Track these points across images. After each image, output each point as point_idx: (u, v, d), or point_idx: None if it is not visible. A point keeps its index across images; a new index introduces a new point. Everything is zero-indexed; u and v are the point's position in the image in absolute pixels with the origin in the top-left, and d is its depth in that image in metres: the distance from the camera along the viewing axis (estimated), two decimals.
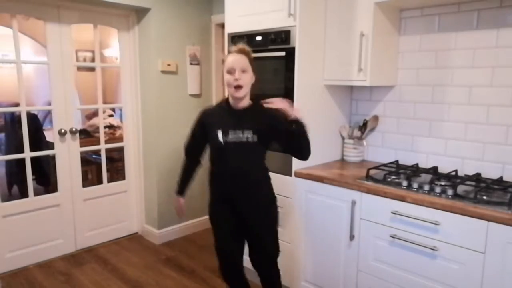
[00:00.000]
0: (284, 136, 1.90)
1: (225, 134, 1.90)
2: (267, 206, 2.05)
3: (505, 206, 1.65)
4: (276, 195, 2.08)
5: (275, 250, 2.12)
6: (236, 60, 1.85)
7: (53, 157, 3.08)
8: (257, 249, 2.09)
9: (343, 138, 2.63)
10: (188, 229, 3.58)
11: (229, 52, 1.94)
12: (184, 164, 2.14)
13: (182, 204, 2.16)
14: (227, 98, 1.98)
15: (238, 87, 1.85)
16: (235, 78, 1.83)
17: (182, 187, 2.15)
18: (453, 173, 2.15)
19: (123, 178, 3.49)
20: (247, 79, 1.87)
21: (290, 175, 2.36)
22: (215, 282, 2.77)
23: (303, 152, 1.91)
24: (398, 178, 2.07)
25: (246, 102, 1.94)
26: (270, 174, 2.44)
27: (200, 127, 2.03)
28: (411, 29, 2.34)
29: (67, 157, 3.09)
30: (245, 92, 1.88)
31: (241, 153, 1.93)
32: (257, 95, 2.47)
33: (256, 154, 1.98)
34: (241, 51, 1.89)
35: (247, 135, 1.89)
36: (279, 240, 2.13)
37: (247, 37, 2.48)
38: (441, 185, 1.91)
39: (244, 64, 1.86)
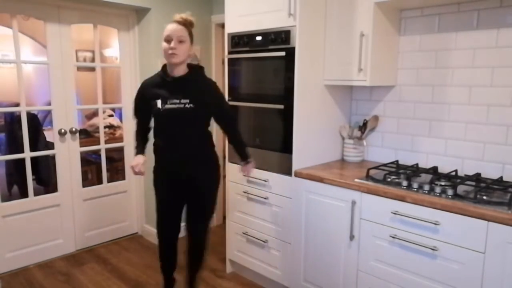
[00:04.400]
0: (217, 117, 2.14)
1: (163, 102, 1.98)
2: (206, 170, 2.14)
3: (505, 206, 1.65)
4: (219, 163, 2.20)
5: (210, 210, 2.23)
6: (175, 29, 1.94)
7: (53, 157, 3.08)
8: (188, 212, 2.19)
9: (343, 138, 2.63)
10: None
11: (171, 21, 1.99)
12: (135, 136, 2.22)
13: (140, 161, 2.10)
14: (164, 66, 2.05)
15: (172, 55, 1.92)
16: (171, 47, 1.91)
17: (139, 148, 2.17)
18: (453, 173, 2.15)
19: (123, 178, 3.49)
20: (183, 48, 1.95)
21: (290, 175, 2.36)
22: (215, 282, 2.77)
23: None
24: (398, 178, 2.07)
25: (182, 70, 2.02)
26: (270, 174, 2.46)
27: (141, 100, 2.11)
28: (411, 29, 2.34)
29: (67, 157, 3.09)
30: (181, 59, 1.96)
31: (179, 120, 2.00)
32: (256, 94, 2.48)
33: (195, 121, 2.05)
34: (181, 22, 1.96)
35: (184, 101, 1.98)
36: (215, 206, 2.28)
37: (247, 37, 2.48)
38: (441, 185, 1.91)
39: (182, 35, 1.94)
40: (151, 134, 2.21)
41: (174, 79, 2.00)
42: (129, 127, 3.42)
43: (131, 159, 3.40)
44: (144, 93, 2.09)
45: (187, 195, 2.16)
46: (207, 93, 2.07)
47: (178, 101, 1.97)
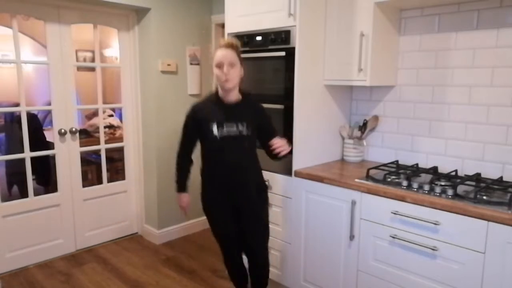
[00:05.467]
0: (266, 139, 2.01)
1: (219, 127, 1.96)
2: (260, 194, 2.14)
3: (505, 206, 1.65)
4: (267, 183, 2.19)
5: (266, 236, 2.23)
6: (224, 55, 1.92)
7: (53, 157, 3.08)
8: (250, 235, 2.16)
9: (343, 138, 2.63)
10: (188, 229, 3.58)
11: (218, 46, 1.98)
12: (179, 163, 2.16)
13: (187, 200, 2.19)
14: (217, 92, 2.03)
15: (227, 81, 1.91)
16: (224, 72, 1.90)
17: (182, 185, 2.17)
18: (453, 173, 2.15)
19: (123, 178, 3.49)
20: (236, 73, 1.94)
21: (290, 175, 2.36)
22: (215, 282, 2.77)
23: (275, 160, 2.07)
24: (398, 178, 2.07)
25: (235, 95, 2.01)
26: (270, 174, 2.46)
27: (193, 124, 2.05)
28: (411, 29, 2.34)
29: (67, 157, 3.09)
30: (234, 83, 1.95)
31: (236, 146, 1.99)
32: (256, 94, 2.48)
33: (250, 146, 2.05)
34: (229, 46, 1.95)
35: (241, 128, 1.97)
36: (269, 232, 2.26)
37: (247, 37, 2.48)
38: (441, 185, 1.91)
39: (232, 59, 1.93)
40: (191, 167, 2.19)
41: (229, 105, 1.99)
42: (129, 127, 3.42)
43: (131, 159, 3.43)
44: (196, 117, 2.02)
45: (244, 220, 2.12)
46: (259, 118, 2.06)
47: (235, 126, 1.96)
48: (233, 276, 2.33)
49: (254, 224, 2.14)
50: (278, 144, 1.92)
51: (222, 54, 1.92)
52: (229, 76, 1.90)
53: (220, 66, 1.92)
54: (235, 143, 1.98)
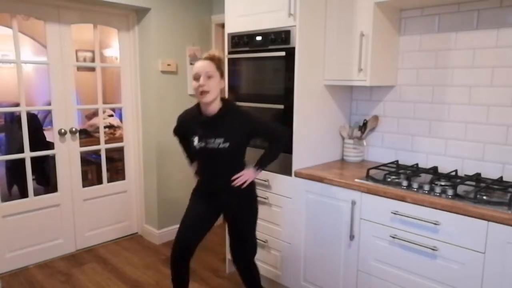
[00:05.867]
0: (263, 136, 2.10)
1: (199, 140, 1.97)
2: (246, 205, 2.10)
3: (505, 206, 1.65)
4: (257, 195, 2.13)
5: (254, 246, 2.18)
6: (201, 66, 1.90)
7: (53, 157, 3.08)
8: (237, 244, 2.15)
9: (343, 138, 2.63)
10: None
11: (198, 59, 1.99)
12: (182, 142, 2.23)
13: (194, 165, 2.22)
14: (198, 104, 2.01)
15: (203, 93, 1.87)
16: (200, 84, 1.86)
17: (192, 158, 2.23)
18: (453, 173, 2.15)
19: (123, 178, 3.49)
20: (213, 84, 1.89)
21: (290, 175, 2.36)
22: (215, 282, 2.77)
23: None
24: (398, 178, 2.07)
25: (216, 107, 1.95)
26: (270, 174, 2.45)
27: (180, 135, 2.18)
28: (411, 29, 2.34)
29: (67, 157, 3.09)
30: (212, 97, 1.90)
31: (214, 159, 1.99)
32: (256, 94, 2.48)
33: (230, 159, 2.00)
34: (208, 57, 1.93)
35: (219, 142, 1.93)
36: (256, 239, 2.20)
37: (247, 37, 2.48)
38: (441, 185, 1.91)
39: (209, 70, 1.89)
40: None
41: (208, 119, 1.96)
42: (129, 127, 3.42)
43: (131, 159, 3.43)
44: (182, 127, 2.12)
45: (230, 223, 2.13)
46: (241, 127, 1.97)
47: (213, 140, 1.94)
48: (176, 266, 2.14)
49: (239, 227, 2.12)
50: (237, 179, 2.00)
51: (199, 65, 1.90)
52: (205, 87, 1.85)
53: (196, 78, 1.89)
54: (213, 156, 1.97)
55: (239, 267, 2.20)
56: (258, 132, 2.05)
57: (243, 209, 2.10)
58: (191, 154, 2.23)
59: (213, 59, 1.93)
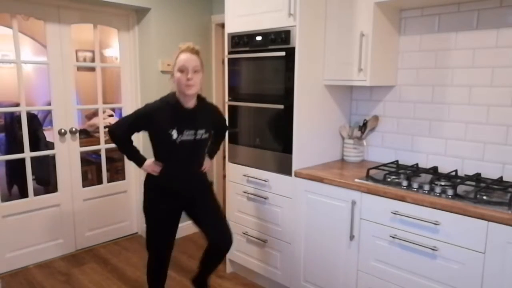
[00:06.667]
0: (219, 126, 2.26)
1: (179, 133, 1.96)
2: (205, 189, 2.20)
3: (505, 206, 1.65)
4: (211, 179, 2.31)
5: (220, 210, 2.23)
6: (190, 59, 1.91)
7: (53, 157, 3.08)
8: (206, 215, 2.17)
9: (343, 138, 2.63)
10: (188, 229, 3.57)
11: (180, 50, 1.96)
12: (126, 146, 2.09)
13: (152, 163, 2.07)
14: (174, 96, 1.99)
15: (190, 86, 1.90)
16: (188, 77, 1.89)
17: (140, 157, 2.10)
18: (453, 173, 2.15)
19: (123, 178, 3.49)
20: (199, 79, 1.94)
21: (290, 175, 2.36)
22: (215, 282, 2.77)
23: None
24: (398, 178, 2.07)
25: (194, 100, 2.02)
26: (270, 174, 2.46)
27: (144, 124, 1.99)
28: (411, 29, 2.34)
29: (67, 157, 3.09)
30: (197, 89, 1.95)
31: (192, 150, 2.04)
32: (256, 94, 2.48)
33: (204, 149, 2.14)
34: (193, 51, 1.94)
35: (201, 133, 2.01)
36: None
37: (247, 37, 2.48)
38: (441, 185, 1.91)
39: (196, 65, 1.93)
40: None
41: (190, 111, 1.99)
42: None
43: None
44: (150, 119, 1.97)
45: (195, 210, 2.15)
46: (214, 116, 2.18)
47: (194, 131, 1.99)
48: (154, 279, 2.23)
49: (205, 207, 2.16)
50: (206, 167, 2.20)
51: (186, 58, 1.90)
52: (192, 82, 1.89)
53: (183, 70, 1.89)
54: (191, 148, 2.02)
55: (212, 252, 2.16)
56: (219, 122, 2.23)
57: (204, 190, 2.18)
58: (140, 152, 2.12)
59: (198, 53, 1.95)
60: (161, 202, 2.07)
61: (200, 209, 2.16)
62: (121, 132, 2.05)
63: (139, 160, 2.10)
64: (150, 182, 2.10)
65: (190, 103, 1.99)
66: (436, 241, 1.78)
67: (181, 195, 2.10)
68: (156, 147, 2.05)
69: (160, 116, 1.96)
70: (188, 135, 1.97)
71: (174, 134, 1.94)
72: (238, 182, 2.68)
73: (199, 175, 2.16)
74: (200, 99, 2.07)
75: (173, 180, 2.07)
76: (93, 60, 3.84)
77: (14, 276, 2.82)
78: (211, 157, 2.29)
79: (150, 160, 2.08)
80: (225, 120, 2.34)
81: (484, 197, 1.77)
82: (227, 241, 2.13)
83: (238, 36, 2.54)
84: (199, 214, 2.16)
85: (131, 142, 2.10)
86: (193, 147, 2.03)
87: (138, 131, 2.04)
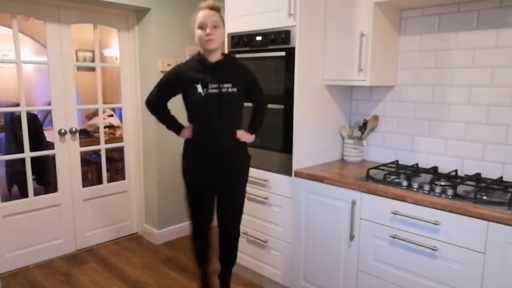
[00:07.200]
0: (253, 92, 2.12)
1: (204, 87, 1.94)
2: (243, 163, 2.15)
3: (505, 206, 1.65)
4: (250, 160, 2.19)
5: (242, 202, 2.21)
6: (208, 15, 1.91)
7: (53, 157, 3.08)
8: (226, 204, 2.17)
9: (343, 138, 2.63)
10: (188, 229, 3.58)
11: (200, 8, 1.96)
12: (160, 113, 2.15)
13: (187, 127, 2.12)
14: (199, 53, 2.02)
15: (210, 41, 1.90)
16: (207, 33, 1.89)
17: (178, 125, 2.14)
18: (453, 173, 2.15)
19: (123, 178, 3.49)
20: (219, 33, 1.93)
21: (290, 175, 2.36)
22: (215, 282, 2.77)
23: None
24: (398, 178, 2.07)
25: (218, 56, 2.00)
26: (270, 174, 2.46)
27: (174, 83, 2.04)
28: (411, 29, 2.34)
29: (67, 157, 3.09)
30: (217, 44, 1.94)
31: (222, 105, 1.97)
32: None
33: (236, 105, 2.05)
34: (212, 7, 1.93)
35: (227, 87, 1.96)
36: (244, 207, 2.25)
37: (247, 37, 2.48)
38: (441, 185, 1.91)
39: (216, 19, 1.92)
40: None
41: (213, 64, 1.97)
42: (129, 127, 3.42)
43: (131, 159, 3.43)
44: (180, 76, 2.01)
45: (222, 185, 2.12)
46: (245, 76, 2.07)
47: (220, 85, 1.94)
48: (197, 250, 2.26)
49: (232, 193, 2.14)
50: (241, 136, 2.07)
51: (205, 14, 1.90)
52: (212, 36, 1.88)
53: (203, 26, 1.90)
54: (219, 102, 1.96)
55: (225, 229, 2.22)
56: (252, 86, 2.10)
57: (239, 170, 2.12)
58: (178, 119, 2.14)
59: (217, 8, 1.94)
60: (199, 165, 2.07)
61: (227, 203, 2.16)
62: (152, 96, 2.11)
63: (176, 127, 2.14)
64: (187, 145, 2.11)
65: (214, 57, 1.98)
66: (436, 241, 1.78)
67: (218, 160, 2.04)
68: (188, 108, 2.04)
69: (185, 72, 2.00)
70: (213, 88, 1.94)
71: (199, 87, 1.94)
72: None
73: (236, 144, 2.06)
74: (226, 55, 2.05)
75: (206, 138, 2.02)
76: (93, 60, 3.84)
77: (14, 276, 2.82)
78: (251, 131, 2.15)
79: (187, 126, 2.12)
80: (260, 88, 2.16)
81: (484, 197, 1.77)
82: (233, 231, 2.23)
83: (238, 36, 2.54)
84: (223, 206, 2.16)
85: (166, 110, 2.15)
86: (221, 101, 1.95)
87: (169, 93, 2.08)
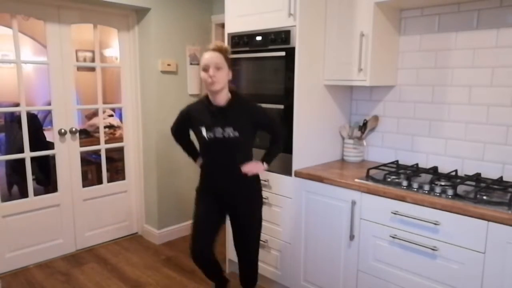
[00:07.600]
0: (265, 128, 2.08)
1: (208, 130, 1.98)
2: (251, 199, 2.12)
3: (505, 206, 1.65)
4: (261, 188, 2.16)
5: (256, 244, 2.19)
6: (212, 57, 1.92)
7: (53, 157, 3.08)
8: (240, 240, 2.17)
9: (343, 138, 2.63)
10: (188, 229, 3.58)
11: (206, 49, 1.98)
12: (181, 142, 2.27)
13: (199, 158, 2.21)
14: (207, 95, 2.04)
15: (213, 83, 1.91)
16: (210, 75, 1.90)
17: (195, 155, 2.26)
18: (453, 173, 2.15)
19: (123, 178, 3.49)
20: (222, 75, 1.94)
21: (290, 175, 2.36)
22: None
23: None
24: (398, 178, 2.07)
25: (225, 97, 2.00)
26: (270, 174, 2.46)
27: (186, 121, 2.13)
28: (411, 29, 2.34)
29: (67, 157, 3.09)
30: (221, 86, 1.94)
31: (224, 149, 2.00)
32: (256, 94, 2.48)
33: (239, 149, 2.03)
34: (216, 49, 1.95)
35: (228, 132, 1.96)
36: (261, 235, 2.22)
37: (247, 37, 2.48)
38: (441, 185, 1.91)
39: (218, 61, 1.92)
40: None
41: (217, 108, 1.99)
42: (129, 127, 3.42)
43: (131, 159, 3.43)
44: (189, 116, 2.10)
45: (235, 223, 2.15)
46: (249, 114, 2.02)
47: (222, 130, 1.96)
48: (199, 266, 2.20)
49: (243, 229, 2.13)
50: (247, 168, 2.02)
51: (208, 57, 1.92)
52: (214, 78, 1.90)
53: (206, 69, 1.92)
54: (222, 146, 1.99)
55: (242, 262, 2.23)
56: (261, 123, 2.06)
57: (249, 203, 2.10)
58: (196, 149, 2.23)
59: (221, 50, 1.95)
60: (204, 197, 2.12)
61: (238, 231, 2.15)
62: (173, 127, 2.25)
63: (192, 155, 2.27)
64: (201, 174, 2.15)
65: (220, 100, 1.98)
66: (436, 241, 1.78)
67: (222, 198, 2.08)
68: (198, 144, 2.12)
69: (194, 114, 2.07)
70: (218, 133, 1.97)
71: (203, 131, 1.99)
72: None
73: (243, 180, 2.04)
74: (236, 97, 2.03)
75: (211, 178, 2.08)
76: (93, 60, 3.84)
77: (14, 276, 2.82)
78: (264, 161, 2.09)
79: (199, 158, 2.20)
80: (271, 119, 2.09)
81: (484, 197, 1.77)
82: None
83: (238, 36, 2.54)
84: (236, 235, 2.17)
85: (187, 138, 2.25)
86: (224, 146, 1.98)
87: (183, 127, 2.19)
